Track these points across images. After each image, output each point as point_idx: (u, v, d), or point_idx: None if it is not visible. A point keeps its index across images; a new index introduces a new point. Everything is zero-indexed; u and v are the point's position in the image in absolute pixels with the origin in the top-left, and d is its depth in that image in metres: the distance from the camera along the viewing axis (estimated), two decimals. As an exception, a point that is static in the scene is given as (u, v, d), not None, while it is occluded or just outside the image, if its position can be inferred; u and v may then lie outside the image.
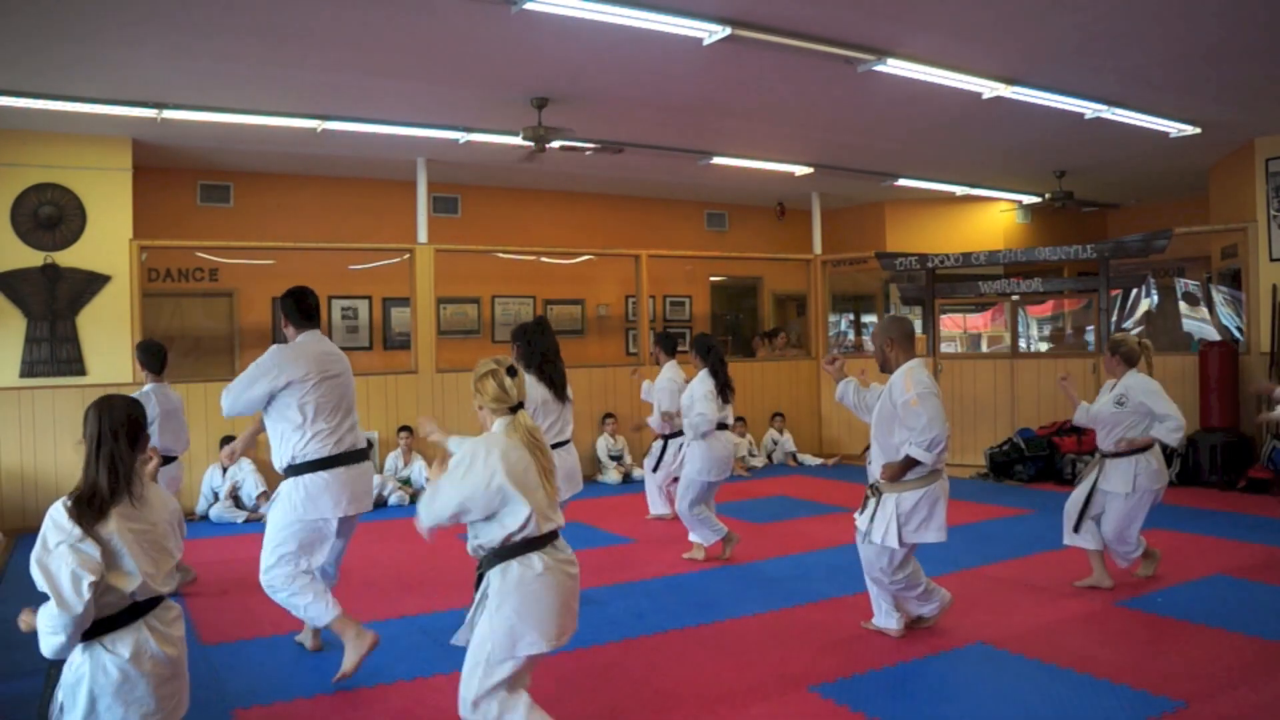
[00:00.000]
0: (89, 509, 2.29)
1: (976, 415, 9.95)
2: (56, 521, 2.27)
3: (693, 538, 6.09)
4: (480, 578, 2.86)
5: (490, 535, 2.79)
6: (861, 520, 4.25)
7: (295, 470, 3.83)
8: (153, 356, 5.46)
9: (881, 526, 4.11)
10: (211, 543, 6.80)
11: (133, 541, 2.33)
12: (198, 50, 5.99)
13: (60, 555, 2.21)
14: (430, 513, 2.79)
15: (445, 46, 6.08)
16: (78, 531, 2.25)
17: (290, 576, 3.85)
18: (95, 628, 2.28)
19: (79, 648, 2.29)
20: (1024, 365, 9.89)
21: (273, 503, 3.96)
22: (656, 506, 7.42)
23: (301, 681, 3.92)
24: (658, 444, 7.08)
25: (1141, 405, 4.88)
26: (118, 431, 2.39)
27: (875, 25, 5.81)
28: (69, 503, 2.30)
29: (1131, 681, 3.73)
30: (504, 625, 2.75)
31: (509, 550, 2.79)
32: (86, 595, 2.18)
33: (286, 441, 3.85)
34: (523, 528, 2.76)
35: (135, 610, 2.35)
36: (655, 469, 7.18)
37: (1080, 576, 5.14)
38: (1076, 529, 5.10)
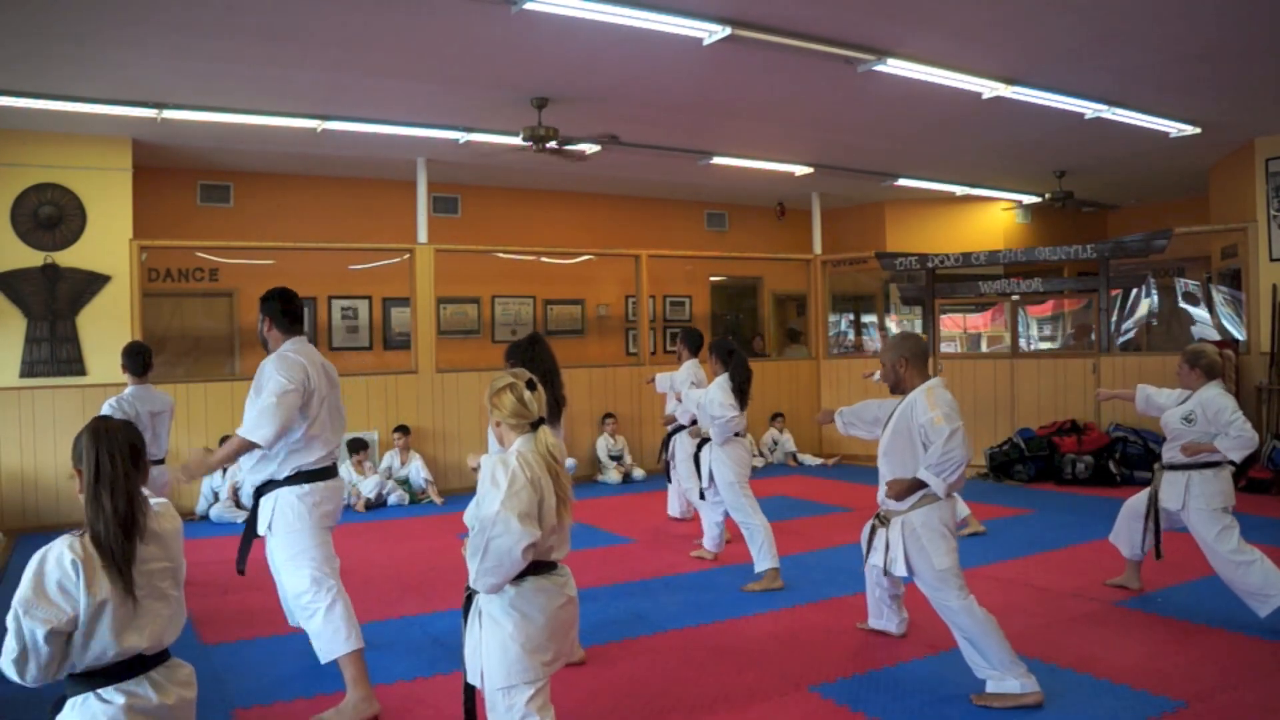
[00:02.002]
0: (106, 556, 2.07)
1: (976, 415, 9.94)
2: (58, 564, 2.07)
3: (706, 543, 6.11)
4: (469, 598, 2.74)
5: None
6: (875, 556, 3.85)
7: (293, 480, 3.65)
8: (134, 359, 5.43)
9: (899, 553, 3.71)
10: (211, 543, 6.80)
11: (143, 588, 2.14)
12: (198, 50, 5.99)
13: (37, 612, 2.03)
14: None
15: (445, 46, 6.08)
16: (76, 582, 2.04)
17: (326, 593, 3.62)
18: (93, 677, 2.11)
19: (73, 700, 2.12)
20: (1024, 365, 9.89)
21: (269, 528, 3.69)
22: (674, 507, 7.32)
23: (301, 681, 3.92)
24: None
25: (1211, 425, 4.52)
26: (116, 457, 2.14)
27: (875, 25, 5.81)
28: (78, 543, 2.08)
29: (1131, 681, 3.73)
30: (499, 649, 2.64)
31: None
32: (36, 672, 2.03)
33: (279, 452, 3.66)
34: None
35: (141, 664, 2.16)
36: (668, 468, 6.88)
37: (1084, 577, 5.13)
38: (1142, 540, 4.91)
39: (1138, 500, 4.97)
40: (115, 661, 2.13)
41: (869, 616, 4.45)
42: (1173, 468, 4.66)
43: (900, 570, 3.72)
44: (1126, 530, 5.02)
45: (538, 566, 2.68)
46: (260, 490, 3.72)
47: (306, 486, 3.66)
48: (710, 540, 6.07)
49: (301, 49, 6.06)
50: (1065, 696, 3.59)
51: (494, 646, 2.66)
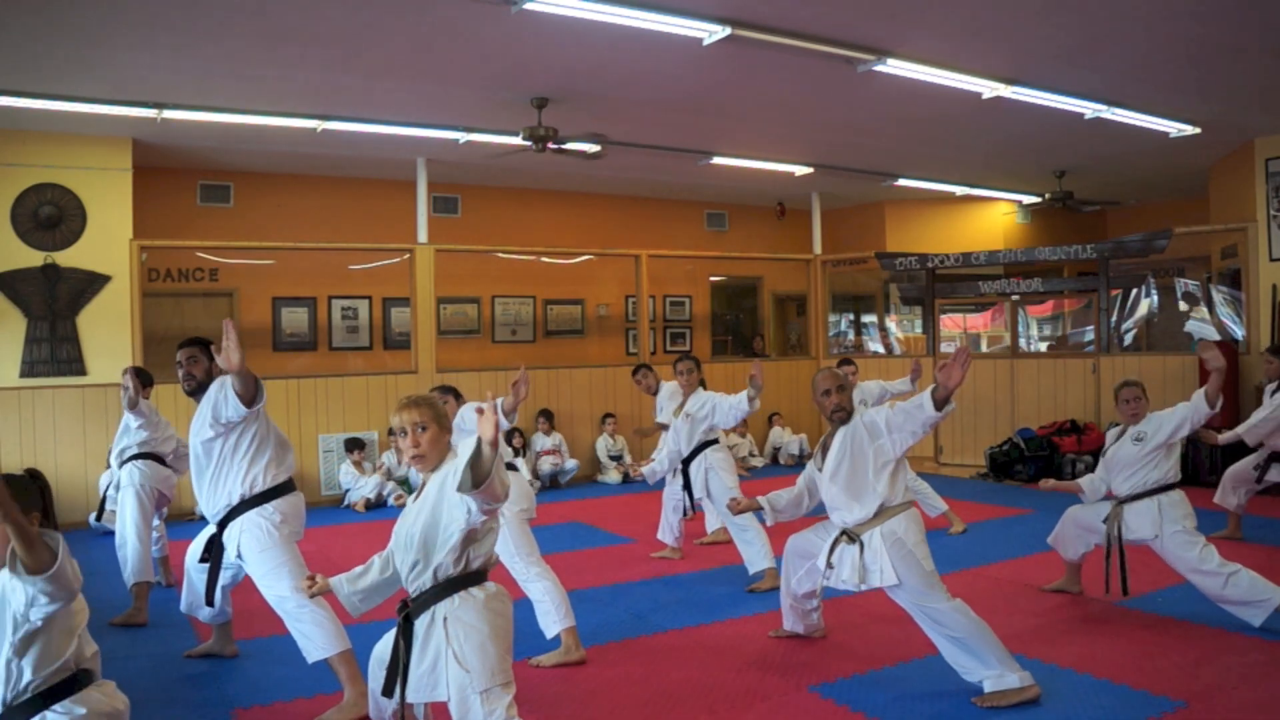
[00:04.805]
0: None
1: (976, 415, 9.95)
2: None
3: (668, 538, 6.15)
4: (407, 617, 2.68)
5: (463, 560, 2.66)
6: (844, 573, 3.76)
7: (250, 503, 3.81)
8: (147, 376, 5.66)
9: (884, 563, 3.65)
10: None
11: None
12: (198, 51, 5.99)
13: None
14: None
15: (445, 46, 6.08)
16: None
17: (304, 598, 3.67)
18: (42, 698, 2.21)
19: None
20: (1024, 365, 9.89)
21: (239, 555, 3.80)
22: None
23: (301, 681, 3.91)
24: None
25: (1160, 433, 4.55)
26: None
27: (875, 25, 5.81)
28: None
29: (1131, 681, 3.73)
30: (478, 652, 2.61)
31: (470, 577, 2.68)
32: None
33: (234, 477, 3.83)
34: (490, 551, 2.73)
35: (87, 677, 2.29)
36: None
37: (1084, 577, 5.12)
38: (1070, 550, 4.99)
39: (1084, 512, 4.91)
40: (60, 680, 2.23)
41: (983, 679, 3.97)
42: (1135, 497, 4.61)
43: (888, 580, 3.65)
44: (1069, 536, 4.99)
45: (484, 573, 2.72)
46: (222, 524, 3.83)
47: (268, 506, 3.80)
48: (674, 536, 6.12)
49: (301, 49, 6.06)
50: (1065, 696, 3.59)
51: (470, 651, 2.61)
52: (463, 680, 2.59)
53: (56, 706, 2.18)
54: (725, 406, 5.67)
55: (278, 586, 3.71)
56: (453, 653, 2.61)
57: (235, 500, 3.80)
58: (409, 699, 2.68)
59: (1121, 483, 4.69)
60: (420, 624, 2.67)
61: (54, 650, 2.21)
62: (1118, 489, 4.71)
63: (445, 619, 2.64)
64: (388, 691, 2.73)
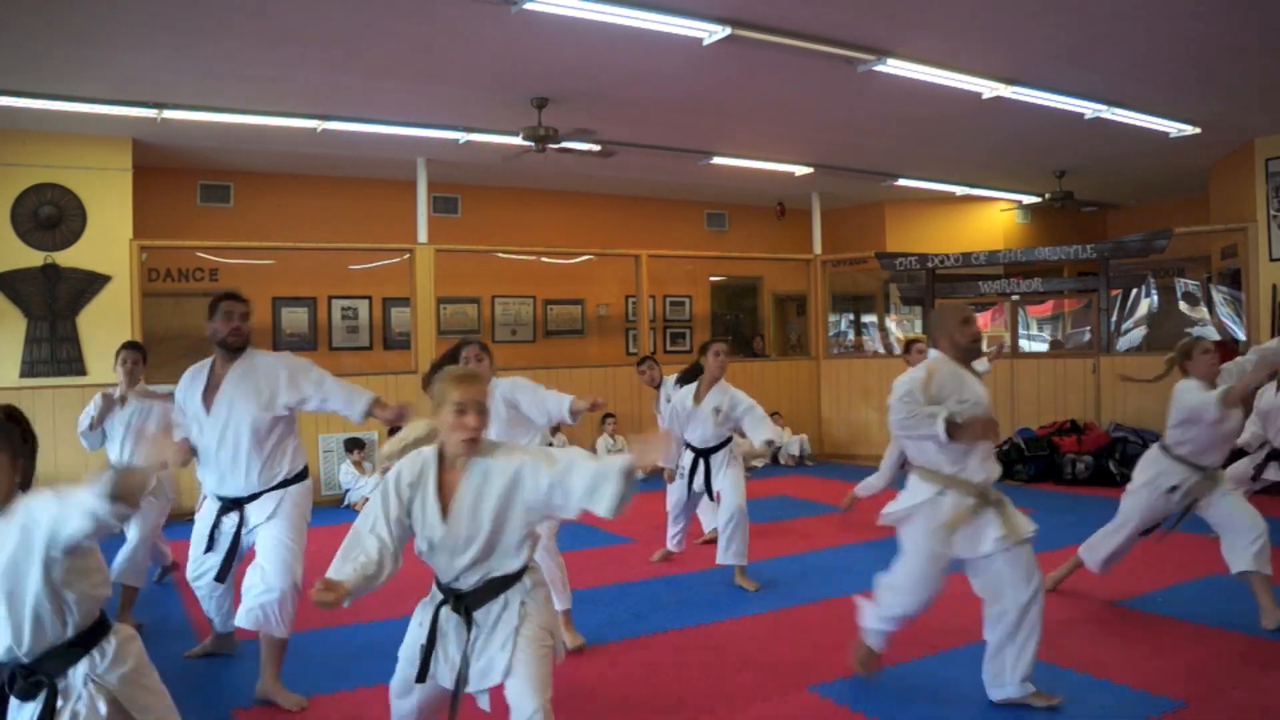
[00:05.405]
0: None
1: (976, 415, 9.93)
2: None
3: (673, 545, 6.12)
4: (466, 613, 2.61)
5: (531, 540, 2.69)
6: (1001, 533, 3.44)
7: (298, 478, 3.95)
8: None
9: (1019, 515, 3.54)
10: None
11: None
12: (198, 51, 5.99)
13: None
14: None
15: (445, 46, 6.08)
16: None
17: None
18: (82, 639, 2.17)
19: (79, 671, 2.15)
20: (1024, 365, 9.89)
21: (279, 515, 3.85)
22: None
23: (300, 682, 3.91)
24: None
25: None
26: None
27: (875, 25, 5.82)
28: None
29: (1131, 681, 3.73)
30: (555, 625, 2.72)
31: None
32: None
33: (295, 447, 3.99)
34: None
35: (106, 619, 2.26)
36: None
37: (1084, 577, 5.13)
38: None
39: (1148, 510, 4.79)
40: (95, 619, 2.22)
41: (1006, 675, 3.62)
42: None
43: (1028, 527, 3.50)
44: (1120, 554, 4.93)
45: None
46: (244, 501, 3.87)
47: (307, 480, 3.98)
48: (679, 544, 6.08)
49: (301, 49, 6.06)
50: (1065, 696, 3.59)
51: (548, 625, 2.65)
52: (538, 655, 2.54)
53: (103, 645, 2.18)
54: (747, 420, 5.47)
55: (295, 540, 3.80)
56: (530, 631, 2.57)
57: (290, 475, 3.90)
58: (470, 688, 2.58)
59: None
60: (488, 612, 2.61)
61: (92, 589, 2.19)
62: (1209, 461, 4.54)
63: (522, 601, 2.61)
64: (421, 678, 2.64)
